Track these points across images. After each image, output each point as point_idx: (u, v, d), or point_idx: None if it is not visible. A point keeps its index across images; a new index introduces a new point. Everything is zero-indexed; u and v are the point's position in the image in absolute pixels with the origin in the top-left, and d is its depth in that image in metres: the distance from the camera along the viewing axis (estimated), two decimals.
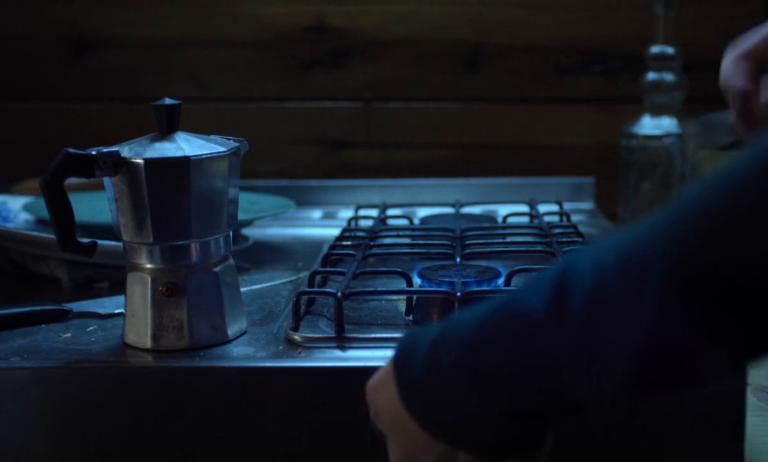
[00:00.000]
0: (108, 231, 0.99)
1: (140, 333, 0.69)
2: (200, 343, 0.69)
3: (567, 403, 0.49)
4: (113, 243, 0.89)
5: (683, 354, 0.44)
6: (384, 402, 0.55)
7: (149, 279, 0.69)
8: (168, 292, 0.69)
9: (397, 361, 0.55)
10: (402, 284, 0.77)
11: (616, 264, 0.45)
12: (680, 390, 0.46)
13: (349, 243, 0.96)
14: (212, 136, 0.72)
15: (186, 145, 0.69)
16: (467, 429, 0.52)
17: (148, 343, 0.69)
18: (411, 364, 0.53)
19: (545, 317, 0.47)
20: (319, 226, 1.21)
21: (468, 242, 0.90)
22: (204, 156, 0.68)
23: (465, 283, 0.74)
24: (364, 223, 1.09)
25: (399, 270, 0.78)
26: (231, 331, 0.71)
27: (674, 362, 0.44)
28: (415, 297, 0.75)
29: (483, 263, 0.82)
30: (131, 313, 0.70)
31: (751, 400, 0.74)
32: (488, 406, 0.51)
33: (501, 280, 0.76)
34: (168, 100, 0.70)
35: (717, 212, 0.41)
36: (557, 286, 0.47)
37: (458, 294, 0.69)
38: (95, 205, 1.07)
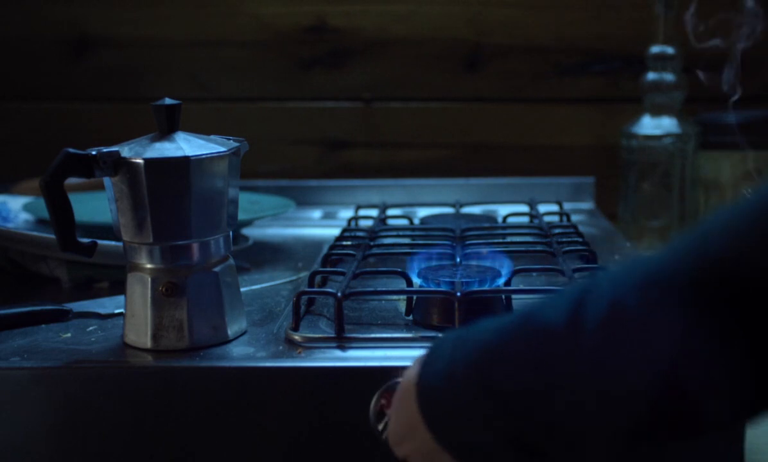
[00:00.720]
0: (108, 231, 0.99)
1: (140, 333, 0.69)
2: (200, 343, 0.69)
3: (567, 437, 0.48)
4: (113, 243, 0.89)
5: (704, 383, 0.42)
6: (406, 377, 0.56)
7: (149, 279, 0.69)
8: (168, 292, 0.69)
9: (429, 350, 0.55)
10: (402, 284, 0.77)
11: (638, 284, 0.44)
12: (691, 434, 0.45)
13: (349, 243, 0.96)
14: (212, 136, 0.72)
15: (186, 145, 0.69)
16: (461, 433, 0.52)
17: (148, 343, 0.69)
18: (436, 357, 0.54)
19: (561, 330, 0.46)
20: (319, 226, 1.21)
21: (468, 242, 0.90)
22: (204, 156, 0.68)
23: (465, 283, 0.73)
24: (364, 223, 1.09)
25: (399, 270, 0.78)
26: (231, 331, 0.71)
27: (693, 393, 0.42)
28: (415, 297, 0.75)
29: (483, 263, 0.82)
30: (131, 313, 0.70)
31: None
32: (490, 415, 0.50)
33: (501, 280, 0.76)
34: (168, 100, 0.70)
35: (744, 236, 0.41)
36: (577, 302, 0.46)
37: (458, 294, 0.69)
38: (95, 205, 1.07)
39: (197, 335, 0.69)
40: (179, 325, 0.69)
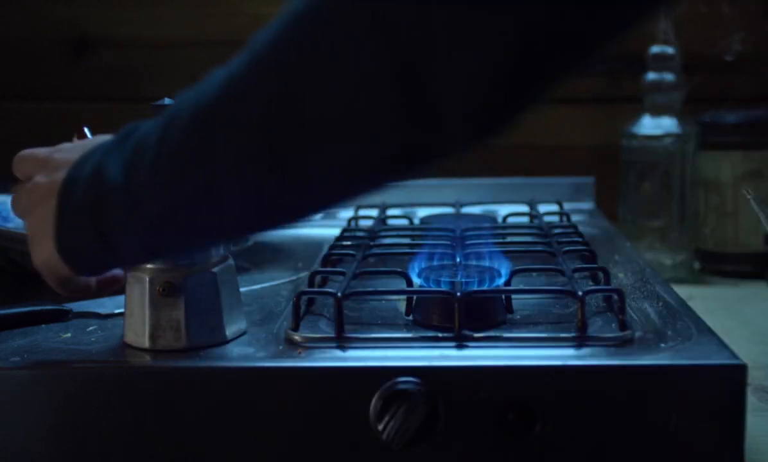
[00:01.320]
0: None
1: (138, 333, 0.69)
2: (197, 343, 0.69)
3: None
4: None
5: None
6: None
7: (147, 279, 0.69)
8: (165, 292, 0.69)
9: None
10: (402, 284, 0.77)
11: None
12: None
13: (349, 243, 0.96)
14: None
15: None
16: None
17: (146, 343, 0.69)
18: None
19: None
20: (319, 226, 1.21)
21: (468, 242, 0.90)
22: None
23: (465, 283, 0.73)
24: (364, 223, 1.09)
25: (399, 270, 0.78)
26: (229, 331, 0.71)
27: None
28: (415, 297, 0.75)
29: (483, 263, 0.82)
30: (130, 313, 0.70)
31: (751, 400, 0.74)
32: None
33: (501, 280, 0.76)
34: (168, 100, 0.70)
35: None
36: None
37: (458, 294, 0.69)
38: None
39: (194, 335, 0.69)
40: (176, 325, 0.69)
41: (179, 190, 0.55)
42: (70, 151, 0.65)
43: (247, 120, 0.51)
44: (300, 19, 0.49)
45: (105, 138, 0.65)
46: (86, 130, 0.70)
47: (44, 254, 0.63)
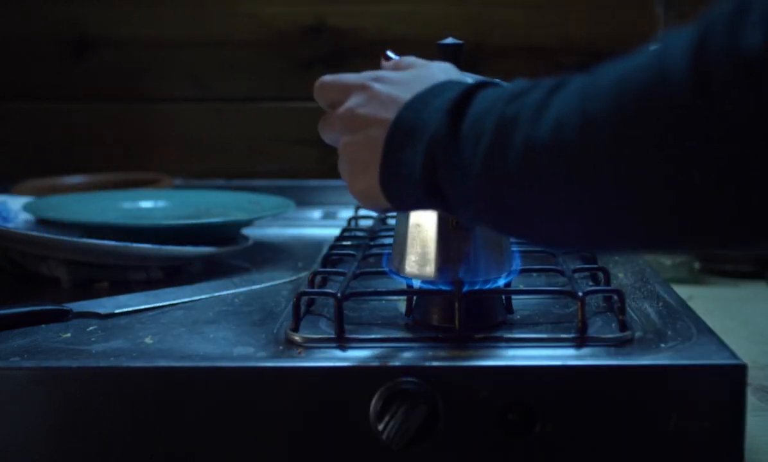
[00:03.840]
0: (108, 231, 0.99)
1: (421, 264, 0.71)
2: (482, 276, 0.70)
3: None
4: (113, 243, 0.89)
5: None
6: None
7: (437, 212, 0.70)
8: (457, 224, 0.70)
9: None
10: (402, 284, 0.77)
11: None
12: None
13: (349, 243, 0.96)
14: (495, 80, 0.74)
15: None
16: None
17: (432, 274, 0.70)
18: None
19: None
20: (319, 226, 1.21)
21: None
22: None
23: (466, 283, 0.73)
24: (364, 223, 1.09)
25: None
26: (506, 267, 0.72)
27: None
28: (415, 297, 0.75)
29: None
30: (411, 244, 0.71)
31: (751, 400, 0.74)
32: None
33: (502, 281, 0.76)
34: (451, 40, 0.72)
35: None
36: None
37: (459, 294, 0.69)
38: (95, 205, 1.07)
39: (482, 268, 0.70)
40: (465, 257, 0.70)
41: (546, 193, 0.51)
42: (392, 84, 0.63)
43: None
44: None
45: (424, 67, 0.66)
46: (390, 53, 0.70)
47: (363, 184, 0.63)
